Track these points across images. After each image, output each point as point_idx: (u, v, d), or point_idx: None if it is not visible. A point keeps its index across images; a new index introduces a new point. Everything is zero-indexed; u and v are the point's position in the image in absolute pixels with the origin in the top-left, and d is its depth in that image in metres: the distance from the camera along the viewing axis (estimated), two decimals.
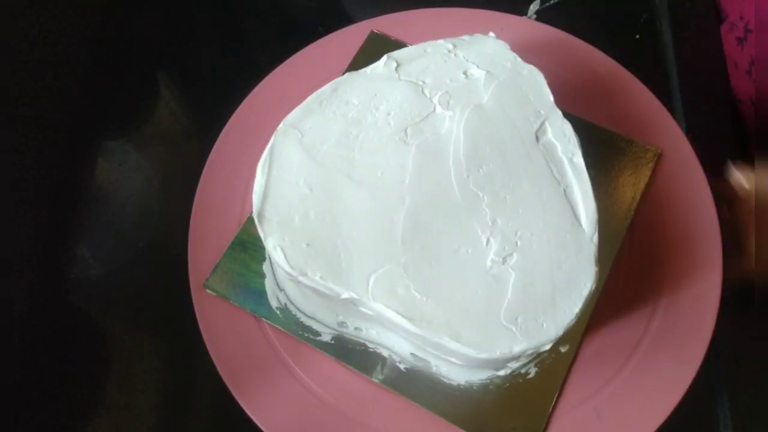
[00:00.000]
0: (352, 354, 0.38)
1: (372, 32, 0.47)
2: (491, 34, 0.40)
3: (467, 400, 0.36)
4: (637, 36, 0.52)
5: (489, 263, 0.33)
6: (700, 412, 0.40)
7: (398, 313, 0.32)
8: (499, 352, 0.31)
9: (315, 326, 0.38)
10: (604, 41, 0.46)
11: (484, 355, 0.31)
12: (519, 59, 0.39)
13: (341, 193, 0.35)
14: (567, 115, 0.37)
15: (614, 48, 0.46)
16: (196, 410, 0.42)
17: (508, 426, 0.36)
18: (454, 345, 0.31)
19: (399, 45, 0.46)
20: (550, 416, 0.36)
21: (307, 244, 0.33)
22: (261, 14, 0.57)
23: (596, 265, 0.33)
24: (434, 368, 0.37)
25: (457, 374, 0.37)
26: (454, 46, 0.39)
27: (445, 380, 0.37)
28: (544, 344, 0.31)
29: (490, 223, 0.34)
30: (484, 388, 0.37)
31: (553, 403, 0.36)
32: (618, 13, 0.53)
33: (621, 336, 0.38)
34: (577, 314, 0.32)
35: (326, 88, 0.38)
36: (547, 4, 0.51)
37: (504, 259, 0.33)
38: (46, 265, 0.46)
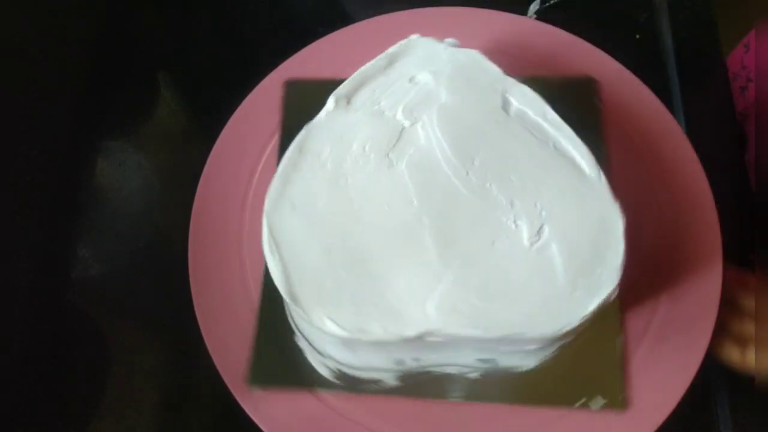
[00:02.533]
0: (422, 385, 0.37)
1: (287, 82, 0.46)
2: (413, 36, 0.39)
3: (542, 379, 0.37)
4: (637, 36, 0.52)
5: (527, 243, 0.33)
6: (700, 412, 0.40)
7: (471, 327, 0.31)
8: (579, 316, 0.31)
9: (375, 375, 0.37)
10: (604, 41, 0.46)
11: (567, 329, 0.31)
12: (451, 48, 0.38)
13: (360, 242, 0.34)
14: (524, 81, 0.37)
15: (614, 48, 0.46)
16: (196, 410, 0.42)
17: (590, 388, 0.36)
18: (533, 333, 0.31)
19: (321, 84, 0.42)
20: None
21: (353, 303, 0.32)
22: (261, 14, 0.57)
23: (616, 201, 0.34)
24: (502, 363, 0.37)
25: (527, 360, 0.37)
26: (389, 61, 0.38)
27: (517, 370, 0.37)
28: (610, 292, 0.32)
29: (510, 207, 0.34)
30: (555, 361, 0.37)
31: (620, 354, 0.37)
32: (618, 13, 0.53)
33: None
34: (623, 252, 0.33)
35: (290, 152, 0.36)
36: (547, 3, 0.51)
37: (538, 234, 0.33)
38: (46, 265, 0.46)
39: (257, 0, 0.57)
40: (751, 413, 0.40)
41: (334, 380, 0.37)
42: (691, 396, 0.36)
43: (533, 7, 0.51)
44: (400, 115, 0.37)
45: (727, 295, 0.40)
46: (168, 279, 0.43)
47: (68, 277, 0.46)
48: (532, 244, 0.33)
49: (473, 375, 0.37)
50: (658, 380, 0.37)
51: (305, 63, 0.47)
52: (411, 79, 0.38)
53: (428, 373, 0.37)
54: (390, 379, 0.37)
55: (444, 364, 0.37)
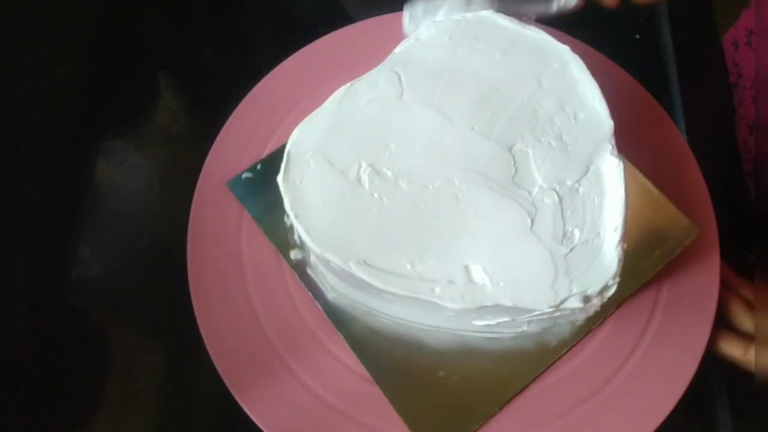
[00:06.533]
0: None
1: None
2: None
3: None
4: (637, 36, 0.52)
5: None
6: (700, 412, 0.40)
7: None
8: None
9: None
10: (604, 41, 0.46)
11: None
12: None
13: (396, 118, 0.37)
14: None
15: (614, 48, 0.46)
16: (196, 410, 0.43)
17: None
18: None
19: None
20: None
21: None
22: (261, 14, 0.57)
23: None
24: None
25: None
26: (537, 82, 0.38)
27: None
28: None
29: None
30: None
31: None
32: (618, 13, 0.53)
33: (621, 335, 0.38)
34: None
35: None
36: None
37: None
38: (46, 265, 0.46)
39: (257, 0, 0.57)
40: (751, 413, 0.40)
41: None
42: (691, 396, 0.36)
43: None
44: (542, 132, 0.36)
45: (726, 295, 0.40)
46: (168, 279, 0.43)
47: (68, 277, 0.46)
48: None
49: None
50: (658, 381, 0.37)
51: (305, 63, 0.47)
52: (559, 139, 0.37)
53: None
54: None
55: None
